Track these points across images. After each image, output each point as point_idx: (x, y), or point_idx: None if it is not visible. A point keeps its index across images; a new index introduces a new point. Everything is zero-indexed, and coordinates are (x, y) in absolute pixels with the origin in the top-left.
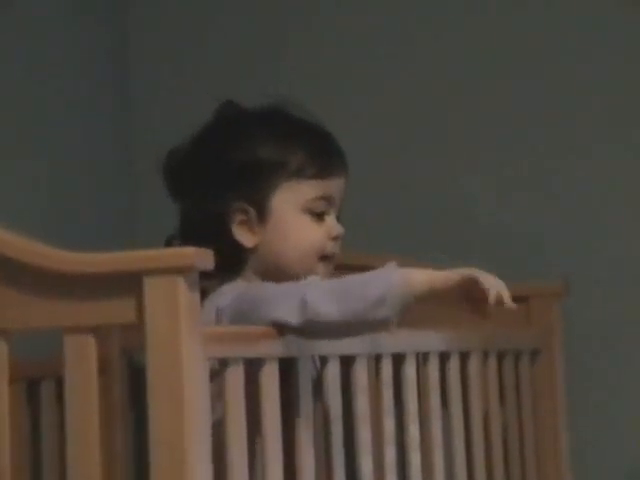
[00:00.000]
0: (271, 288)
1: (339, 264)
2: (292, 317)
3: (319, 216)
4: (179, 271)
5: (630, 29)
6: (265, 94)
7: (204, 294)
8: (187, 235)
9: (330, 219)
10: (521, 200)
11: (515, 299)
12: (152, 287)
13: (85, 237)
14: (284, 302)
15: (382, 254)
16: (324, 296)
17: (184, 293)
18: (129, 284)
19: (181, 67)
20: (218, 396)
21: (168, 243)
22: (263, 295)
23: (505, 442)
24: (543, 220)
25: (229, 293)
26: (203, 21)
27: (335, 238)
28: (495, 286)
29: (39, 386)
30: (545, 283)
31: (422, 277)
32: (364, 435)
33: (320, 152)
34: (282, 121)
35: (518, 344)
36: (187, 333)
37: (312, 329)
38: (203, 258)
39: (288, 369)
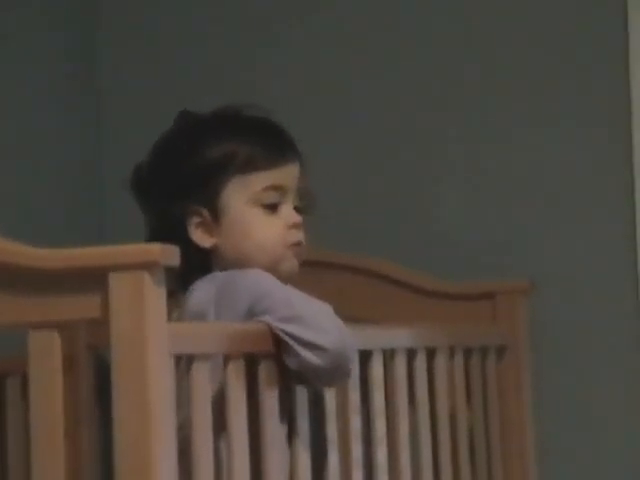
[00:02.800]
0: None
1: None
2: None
3: (272, 208)
4: (144, 267)
5: None
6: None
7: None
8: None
9: (285, 208)
10: (489, 200)
11: (481, 296)
12: (117, 283)
13: (52, 234)
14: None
15: (350, 253)
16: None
17: (149, 289)
18: (94, 280)
19: (151, 75)
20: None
21: None
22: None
23: (471, 438)
24: (510, 218)
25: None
26: (174, 32)
27: (293, 227)
28: None
29: (4, 383)
30: (511, 280)
31: None
32: (331, 432)
33: (263, 143)
34: (228, 121)
35: (484, 341)
36: (152, 329)
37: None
38: (168, 254)
39: (254, 366)
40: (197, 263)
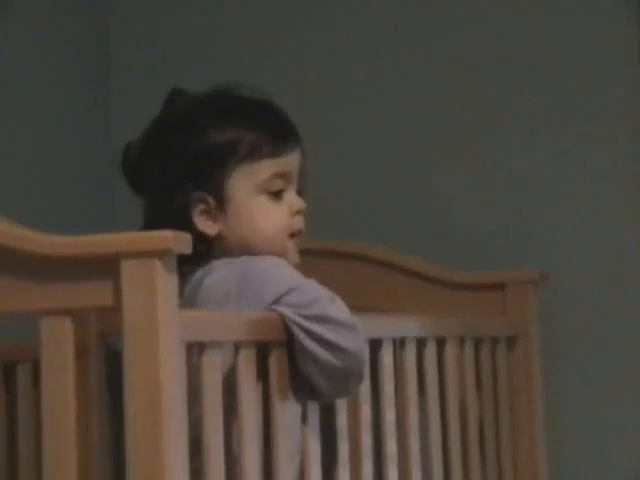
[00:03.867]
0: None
1: (319, 250)
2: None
3: (277, 194)
4: (157, 254)
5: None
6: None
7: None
8: (152, 228)
9: (289, 195)
10: (501, 190)
11: (492, 286)
12: (129, 270)
13: (64, 221)
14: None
15: (360, 242)
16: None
17: (161, 276)
18: (106, 267)
19: (164, 66)
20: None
21: None
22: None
23: (481, 428)
24: (522, 209)
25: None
26: (186, 21)
27: (297, 212)
28: None
29: (15, 370)
30: (522, 271)
31: None
32: (341, 420)
33: (269, 130)
34: (228, 105)
35: (495, 331)
36: (164, 316)
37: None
38: (181, 241)
39: (266, 355)
40: (198, 250)
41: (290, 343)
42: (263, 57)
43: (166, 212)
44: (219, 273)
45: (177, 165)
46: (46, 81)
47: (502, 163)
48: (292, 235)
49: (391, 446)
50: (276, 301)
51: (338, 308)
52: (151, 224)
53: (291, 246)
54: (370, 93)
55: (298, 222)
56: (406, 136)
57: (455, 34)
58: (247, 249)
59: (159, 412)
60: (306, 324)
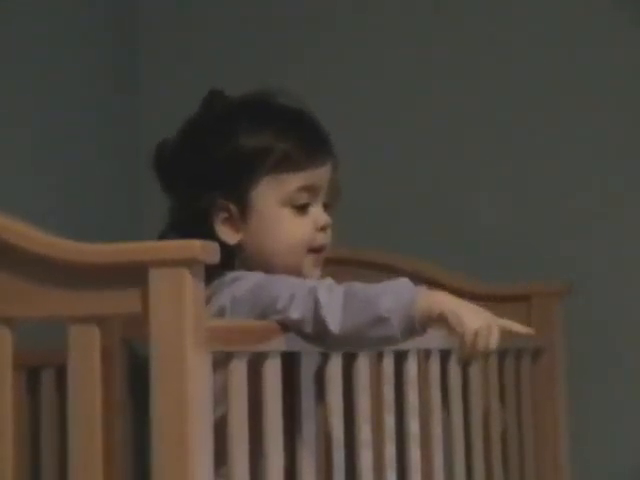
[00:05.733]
0: (287, 285)
1: (346, 259)
2: (307, 325)
3: (302, 208)
4: (185, 263)
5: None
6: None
7: None
8: (175, 230)
9: (315, 209)
10: (527, 202)
11: (517, 298)
12: (157, 278)
13: (92, 228)
14: (300, 304)
15: (387, 252)
16: (334, 305)
17: (189, 285)
18: (135, 275)
19: (184, 63)
20: (223, 390)
21: (161, 237)
22: (279, 292)
23: (504, 440)
24: (547, 221)
25: (244, 282)
26: (205, 20)
27: (322, 228)
28: (474, 332)
29: (39, 375)
30: (547, 283)
31: (424, 305)
32: (365, 431)
33: (300, 143)
34: (262, 112)
35: (519, 343)
36: (191, 325)
37: (320, 337)
38: (209, 251)
39: (291, 364)
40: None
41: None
42: (287, 62)
43: (189, 215)
44: (237, 285)
45: (206, 168)
46: (78, 80)
47: (530, 175)
48: (313, 250)
49: (415, 457)
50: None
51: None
52: (174, 226)
53: (309, 261)
54: (399, 104)
55: (322, 238)
56: (435, 149)
57: (483, 49)
58: (265, 260)
59: (185, 420)
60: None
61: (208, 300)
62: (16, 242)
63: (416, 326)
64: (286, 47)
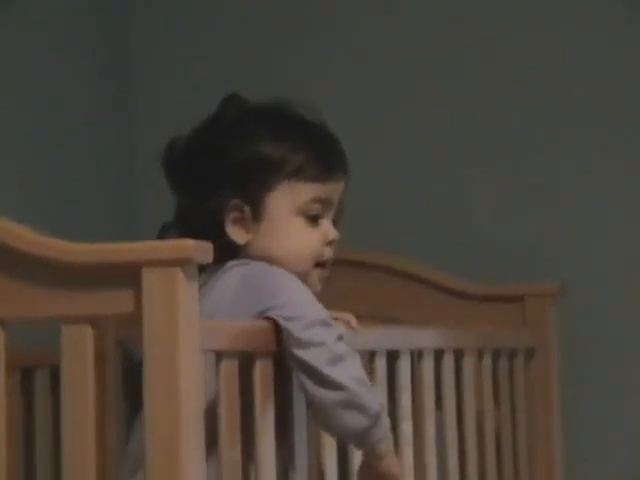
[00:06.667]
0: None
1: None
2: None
3: (314, 219)
4: (178, 263)
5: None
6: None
7: None
8: (182, 227)
9: (325, 223)
10: (521, 202)
11: (511, 299)
12: (150, 278)
13: (84, 228)
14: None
15: (383, 253)
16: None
17: (182, 285)
18: (128, 275)
19: (182, 64)
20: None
21: (162, 230)
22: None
23: (498, 440)
24: (542, 222)
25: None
26: (205, 19)
27: (331, 243)
28: None
29: (33, 375)
30: (541, 283)
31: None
32: None
33: (320, 154)
34: (284, 120)
35: (513, 343)
36: (184, 325)
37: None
38: (202, 251)
39: (282, 364)
40: (223, 255)
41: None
42: (287, 62)
43: (199, 213)
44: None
45: (221, 168)
46: (78, 80)
47: (523, 177)
48: (319, 264)
49: (408, 457)
50: (267, 310)
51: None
52: (182, 222)
53: (315, 274)
54: (399, 104)
55: (328, 252)
56: (432, 151)
57: (483, 49)
58: (271, 263)
59: (178, 419)
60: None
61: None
62: (8, 242)
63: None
64: (286, 47)
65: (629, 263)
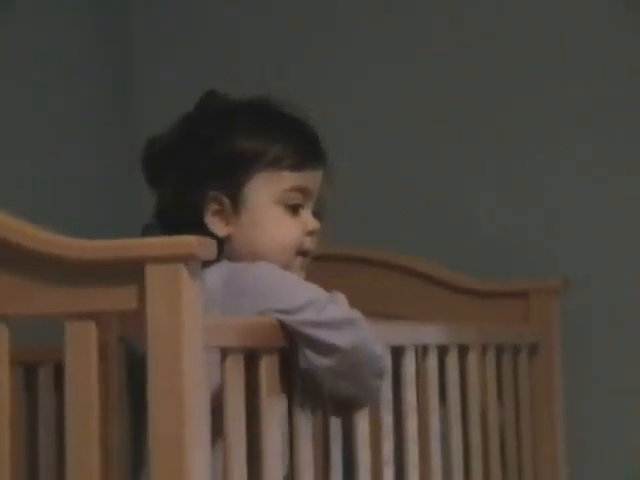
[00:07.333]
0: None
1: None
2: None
3: (294, 209)
4: (181, 259)
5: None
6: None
7: None
8: (163, 223)
9: (306, 213)
10: (524, 199)
11: (515, 295)
12: (154, 275)
13: (84, 228)
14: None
15: (385, 250)
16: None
17: (186, 281)
18: (131, 271)
19: (182, 64)
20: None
21: (144, 230)
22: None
23: (502, 436)
24: (544, 217)
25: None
26: (205, 20)
27: (311, 233)
28: None
29: (37, 371)
30: (544, 279)
31: None
32: (362, 427)
33: (298, 144)
34: (262, 112)
35: (517, 339)
36: (188, 321)
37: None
38: (205, 247)
39: (287, 360)
40: None
41: (292, 350)
42: (287, 62)
43: (180, 207)
44: (210, 275)
45: (200, 160)
46: (77, 81)
47: (527, 173)
48: (301, 253)
49: (412, 453)
50: (267, 311)
51: (335, 307)
52: (163, 217)
53: (297, 263)
54: (399, 105)
55: (309, 242)
56: (435, 148)
57: (483, 49)
58: (254, 255)
59: (182, 416)
60: (299, 329)
61: None
62: (12, 239)
63: None
64: (286, 47)
65: (632, 259)
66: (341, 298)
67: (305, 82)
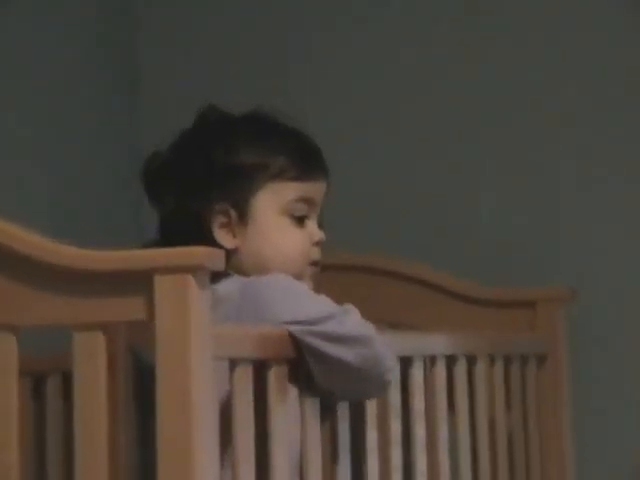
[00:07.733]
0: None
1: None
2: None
3: (299, 220)
4: (190, 270)
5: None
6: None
7: None
8: (167, 237)
9: (311, 224)
10: (531, 207)
11: (522, 304)
12: (162, 285)
13: (85, 224)
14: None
15: (389, 258)
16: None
17: (194, 292)
18: (140, 282)
19: (182, 63)
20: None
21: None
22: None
23: (510, 446)
24: (552, 226)
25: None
26: (205, 20)
27: (317, 243)
28: None
29: (45, 381)
30: (551, 288)
31: None
32: (371, 437)
33: (301, 155)
34: (265, 125)
35: (524, 349)
36: (196, 332)
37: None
38: (214, 258)
39: (296, 371)
40: None
41: (301, 361)
42: (287, 63)
43: (185, 220)
44: (225, 287)
45: (204, 174)
46: (78, 81)
47: (533, 179)
48: (311, 263)
49: (421, 463)
50: (283, 322)
51: (352, 321)
52: (167, 232)
53: (308, 273)
54: (399, 105)
55: (315, 253)
56: (438, 153)
57: (483, 49)
58: (263, 267)
59: (190, 426)
60: (317, 342)
61: None
62: (21, 249)
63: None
64: (286, 47)
65: (637, 266)
66: (354, 312)
67: (305, 82)
